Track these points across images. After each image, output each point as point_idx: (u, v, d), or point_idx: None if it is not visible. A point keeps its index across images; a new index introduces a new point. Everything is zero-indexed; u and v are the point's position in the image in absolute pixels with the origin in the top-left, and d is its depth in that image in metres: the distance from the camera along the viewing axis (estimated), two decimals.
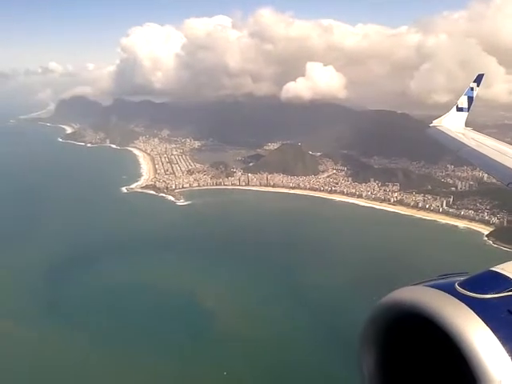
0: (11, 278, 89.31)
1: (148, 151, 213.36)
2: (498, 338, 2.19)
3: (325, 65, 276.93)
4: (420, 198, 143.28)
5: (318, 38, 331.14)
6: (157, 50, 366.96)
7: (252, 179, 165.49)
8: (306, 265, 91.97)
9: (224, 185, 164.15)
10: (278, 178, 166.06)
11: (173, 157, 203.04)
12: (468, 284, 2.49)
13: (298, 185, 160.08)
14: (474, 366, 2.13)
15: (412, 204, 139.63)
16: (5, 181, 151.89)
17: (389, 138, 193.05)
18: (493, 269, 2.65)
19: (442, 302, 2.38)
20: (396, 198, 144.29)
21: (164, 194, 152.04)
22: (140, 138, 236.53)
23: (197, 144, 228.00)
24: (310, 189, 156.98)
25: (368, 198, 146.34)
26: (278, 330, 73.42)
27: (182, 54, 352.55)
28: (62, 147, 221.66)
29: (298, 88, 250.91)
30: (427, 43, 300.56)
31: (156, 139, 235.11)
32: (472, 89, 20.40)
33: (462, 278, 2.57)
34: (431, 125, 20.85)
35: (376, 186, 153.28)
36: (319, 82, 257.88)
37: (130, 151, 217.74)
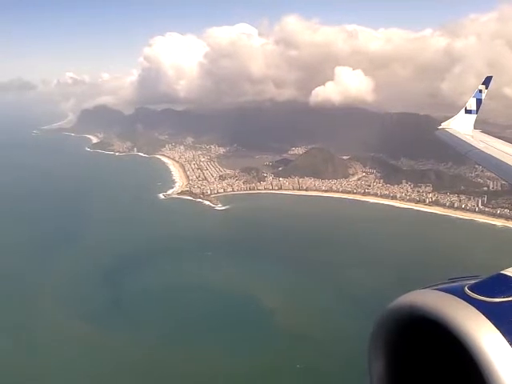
0: (72, 280, 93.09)
1: (176, 158, 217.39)
2: (508, 341, 2.18)
3: (353, 69, 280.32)
4: (454, 198, 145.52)
5: (342, 43, 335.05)
6: (180, 58, 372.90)
7: (284, 183, 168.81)
8: (358, 266, 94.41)
9: (257, 189, 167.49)
10: (309, 181, 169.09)
11: (201, 163, 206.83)
12: (478, 287, 2.49)
13: (331, 188, 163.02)
14: (484, 369, 2.11)
15: (448, 204, 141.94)
16: (48, 191, 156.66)
17: (413, 140, 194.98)
18: (503, 272, 2.65)
19: (451, 305, 2.37)
20: (431, 198, 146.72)
21: (201, 200, 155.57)
22: (166, 145, 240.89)
23: (222, 150, 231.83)
24: (342, 192, 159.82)
25: (403, 199, 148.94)
26: (338, 327, 75.79)
27: (205, 62, 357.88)
28: (92, 156, 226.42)
29: (327, 92, 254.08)
30: (456, 46, 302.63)
31: (182, 147, 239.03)
32: (480, 91, 20.62)
33: (471, 282, 2.57)
34: (439, 127, 21.04)
35: (409, 188, 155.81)
36: (348, 85, 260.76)
37: (159, 159, 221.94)
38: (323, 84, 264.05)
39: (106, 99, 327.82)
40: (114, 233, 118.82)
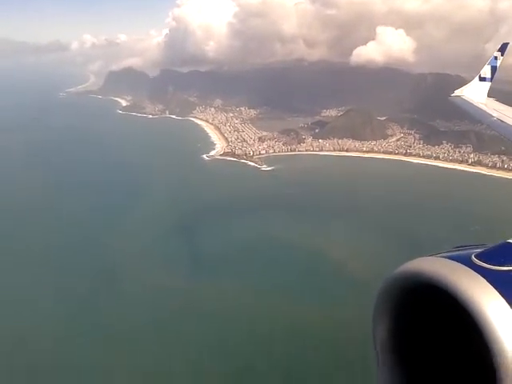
0: (141, 236, 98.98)
1: (210, 120, 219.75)
2: None
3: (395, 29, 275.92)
4: (496, 158, 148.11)
5: (380, 2, 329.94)
6: (208, 19, 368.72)
7: (325, 145, 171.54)
8: (425, 227, 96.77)
9: (298, 151, 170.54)
10: (349, 143, 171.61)
11: (236, 125, 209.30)
12: (484, 255, 2.43)
13: (372, 149, 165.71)
14: (488, 337, 2.10)
15: (490, 164, 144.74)
16: (93, 155, 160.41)
17: (447, 101, 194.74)
18: (510, 240, 2.60)
19: (457, 272, 2.32)
20: (473, 158, 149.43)
21: (245, 161, 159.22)
22: (197, 107, 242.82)
23: (253, 112, 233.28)
24: (383, 152, 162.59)
25: (445, 159, 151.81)
26: None
27: (234, 21, 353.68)
28: (126, 119, 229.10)
29: (368, 52, 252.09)
30: (500, 6, 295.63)
31: (212, 109, 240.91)
32: (496, 58, 20.02)
33: (478, 250, 2.51)
34: (453, 94, 20.73)
35: (450, 148, 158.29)
36: (389, 45, 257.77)
37: (192, 121, 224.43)
38: (358, 44, 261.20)
39: (132, 61, 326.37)
40: (172, 193, 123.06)
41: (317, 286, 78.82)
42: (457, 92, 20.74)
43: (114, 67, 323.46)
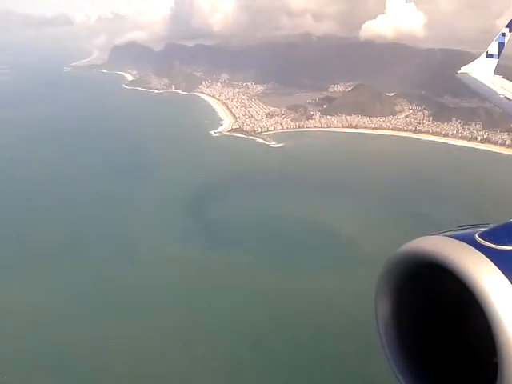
0: (159, 209, 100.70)
1: (216, 96, 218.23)
2: None
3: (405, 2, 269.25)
4: (505, 136, 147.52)
5: None
6: None
7: (333, 121, 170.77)
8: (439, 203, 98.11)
9: (306, 127, 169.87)
10: (357, 119, 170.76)
11: (243, 101, 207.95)
12: (488, 235, 2.44)
13: (381, 125, 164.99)
14: (491, 316, 2.11)
15: (499, 142, 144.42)
16: (102, 130, 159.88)
17: (456, 77, 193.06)
18: None
19: (461, 251, 2.33)
20: (482, 136, 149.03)
21: (253, 137, 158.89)
22: (203, 82, 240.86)
23: (259, 88, 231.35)
24: (393, 129, 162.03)
25: (454, 136, 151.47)
26: None
27: None
28: (131, 94, 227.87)
29: (378, 26, 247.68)
30: None
31: (219, 84, 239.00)
32: (504, 34, 19.47)
33: (482, 229, 2.52)
34: (459, 71, 20.38)
35: (459, 125, 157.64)
36: (400, 20, 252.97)
37: (198, 96, 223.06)
38: (367, 18, 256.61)
39: (136, 35, 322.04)
40: (182, 170, 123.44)
41: (321, 256, 79.63)
42: (463, 69, 20.45)
43: (118, 41, 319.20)
